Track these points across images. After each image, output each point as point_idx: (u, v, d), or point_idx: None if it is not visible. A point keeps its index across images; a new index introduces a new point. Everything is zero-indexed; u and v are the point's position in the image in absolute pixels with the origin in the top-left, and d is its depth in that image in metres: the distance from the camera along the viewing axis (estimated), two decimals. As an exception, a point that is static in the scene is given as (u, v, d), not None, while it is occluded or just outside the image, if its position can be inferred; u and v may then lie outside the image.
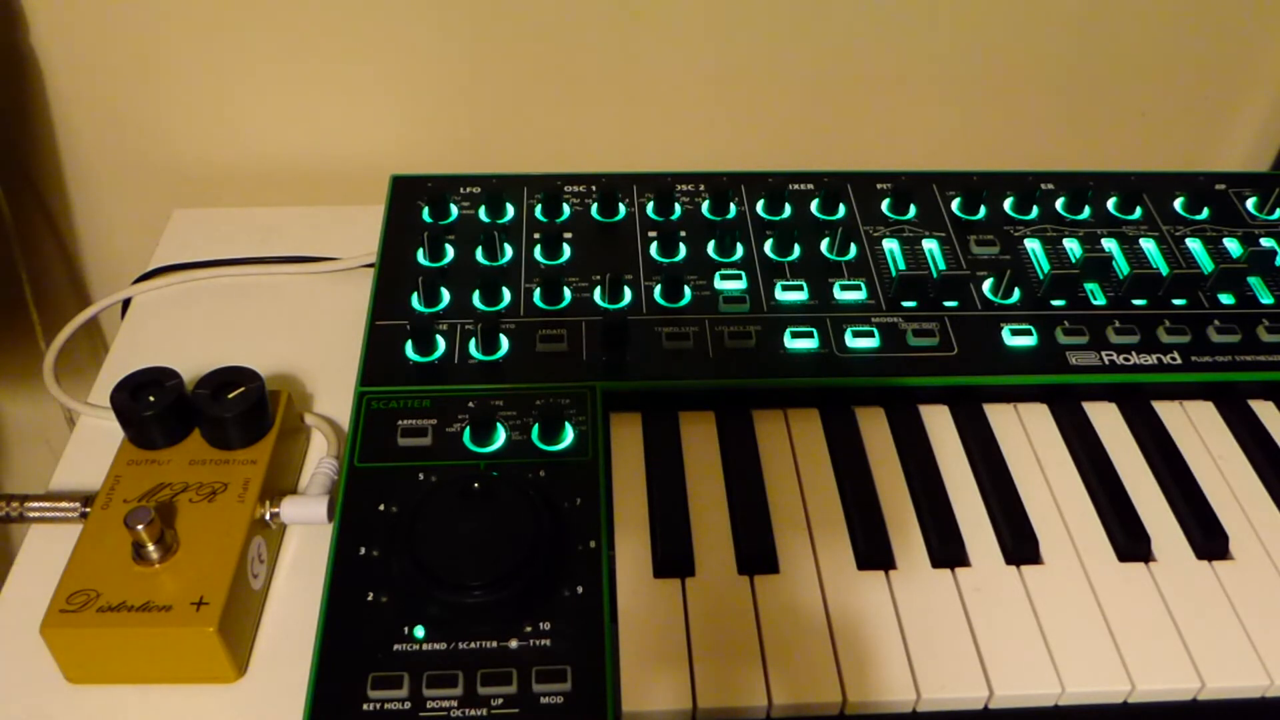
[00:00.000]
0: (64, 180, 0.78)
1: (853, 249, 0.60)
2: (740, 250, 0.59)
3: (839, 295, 0.57)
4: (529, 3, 0.70)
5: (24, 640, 0.46)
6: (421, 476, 0.47)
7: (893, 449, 0.52)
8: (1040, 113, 0.79)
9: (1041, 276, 0.58)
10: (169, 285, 0.66)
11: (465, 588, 0.41)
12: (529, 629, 0.41)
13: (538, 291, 0.56)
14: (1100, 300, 0.57)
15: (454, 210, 0.62)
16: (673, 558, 0.45)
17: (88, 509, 0.48)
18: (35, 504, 0.50)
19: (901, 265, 0.59)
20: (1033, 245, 0.61)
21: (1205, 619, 0.44)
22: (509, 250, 0.59)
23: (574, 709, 0.39)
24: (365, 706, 0.39)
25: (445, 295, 0.56)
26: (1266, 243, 0.61)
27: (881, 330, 0.55)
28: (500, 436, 0.49)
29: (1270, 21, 0.76)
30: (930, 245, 0.60)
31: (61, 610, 0.42)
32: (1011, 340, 0.55)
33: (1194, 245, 0.61)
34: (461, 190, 0.63)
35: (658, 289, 0.56)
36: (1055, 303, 0.57)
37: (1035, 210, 0.63)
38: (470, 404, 0.50)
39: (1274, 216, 0.63)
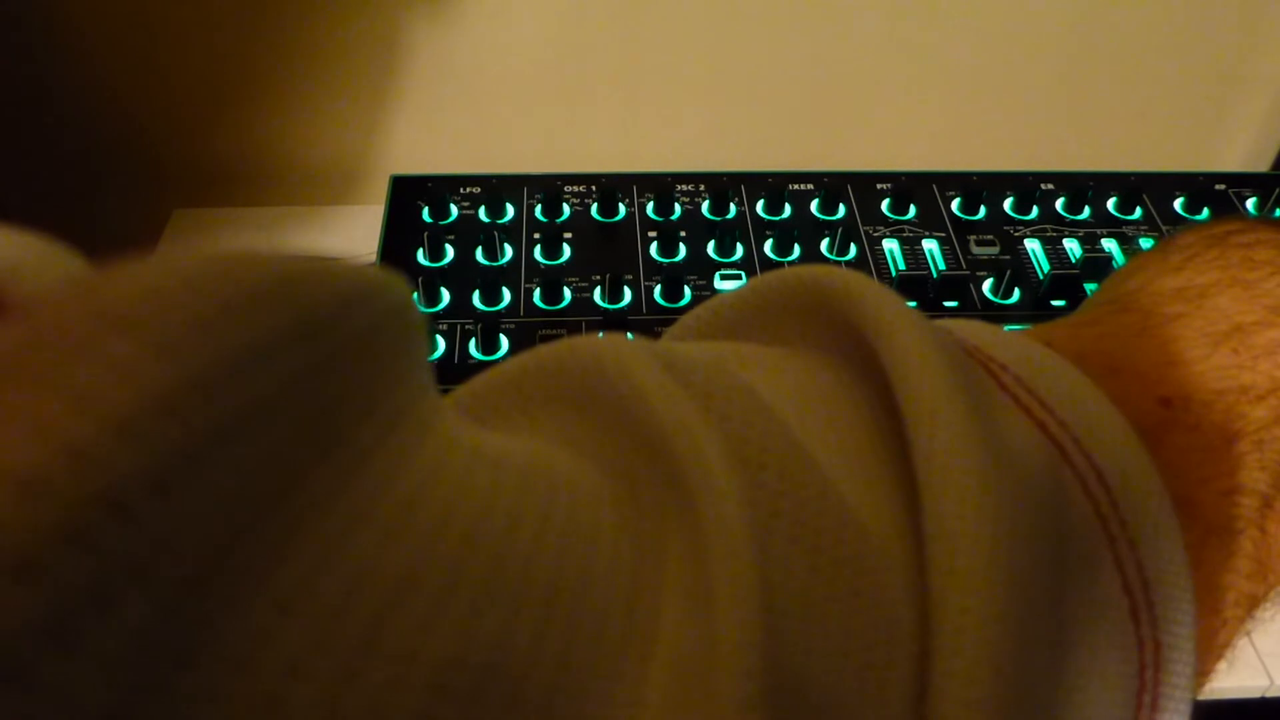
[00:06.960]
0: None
1: (853, 249, 0.60)
2: (740, 250, 0.59)
3: (839, 295, 0.57)
4: (528, 1, 0.70)
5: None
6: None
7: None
8: (1040, 113, 0.79)
9: (1041, 277, 0.58)
10: (169, 285, 0.66)
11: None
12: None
13: (538, 291, 0.56)
14: (1100, 300, 0.57)
15: (454, 210, 0.62)
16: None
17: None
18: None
19: (901, 265, 0.59)
20: (1033, 245, 0.61)
21: (1205, 619, 0.44)
22: (509, 250, 0.59)
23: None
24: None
25: (445, 295, 0.56)
26: (1266, 243, 0.61)
27: (881, 330, 0.55)
28: (500, 436, 0.49)
29: (1270, 21, 0.75)
30: (930, 245, 0.60)
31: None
32: (1011, 340, 0.55)
33: (1194, 245, 0.61)
34: (461, 190, 0.63)
35: (658, 289, 0.56)
36: (1055, 303, 0.57)
37: (1035, 210, 0.63)
38: (470, 404, 0.50)
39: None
